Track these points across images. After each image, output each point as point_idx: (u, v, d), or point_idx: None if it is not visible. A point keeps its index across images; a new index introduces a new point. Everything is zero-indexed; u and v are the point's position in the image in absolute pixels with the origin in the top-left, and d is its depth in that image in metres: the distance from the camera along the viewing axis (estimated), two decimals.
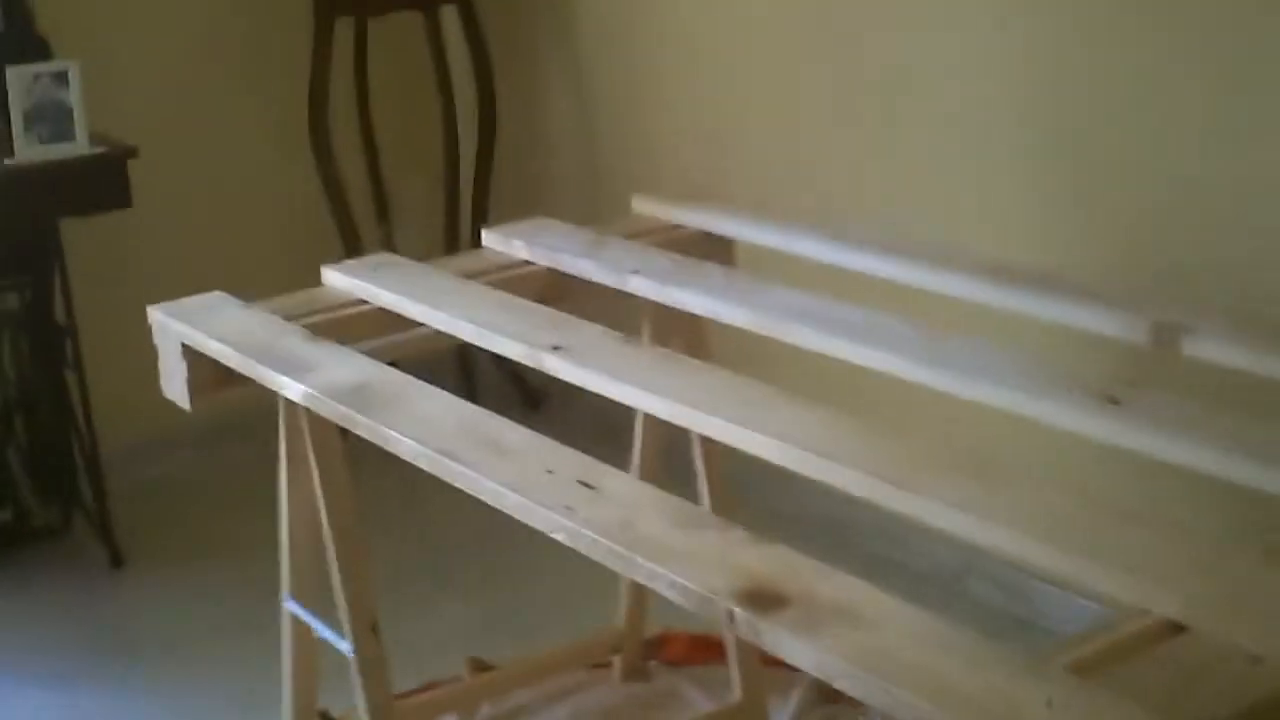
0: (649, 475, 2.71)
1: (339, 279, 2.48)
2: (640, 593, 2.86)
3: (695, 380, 1.97)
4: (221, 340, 2.23)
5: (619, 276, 2.41)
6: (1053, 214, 2.97)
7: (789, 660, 1.40)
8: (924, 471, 1.69)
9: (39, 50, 3.47)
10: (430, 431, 1.87)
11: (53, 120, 3.40)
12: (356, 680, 2.33)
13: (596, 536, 1.58)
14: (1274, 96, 2.60)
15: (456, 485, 1.78)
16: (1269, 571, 1.47)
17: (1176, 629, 1.42)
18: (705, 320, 2.47)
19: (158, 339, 2.38)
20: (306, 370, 2.09)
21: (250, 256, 3.89)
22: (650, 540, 1.57)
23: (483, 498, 1.74)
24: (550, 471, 1.74)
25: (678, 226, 2.67)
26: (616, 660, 2.96)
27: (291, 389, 2.08)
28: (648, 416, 2.65)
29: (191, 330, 2.29)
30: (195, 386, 2.33)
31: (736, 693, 2.69)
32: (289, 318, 2.32)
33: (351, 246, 3.92)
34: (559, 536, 1.64)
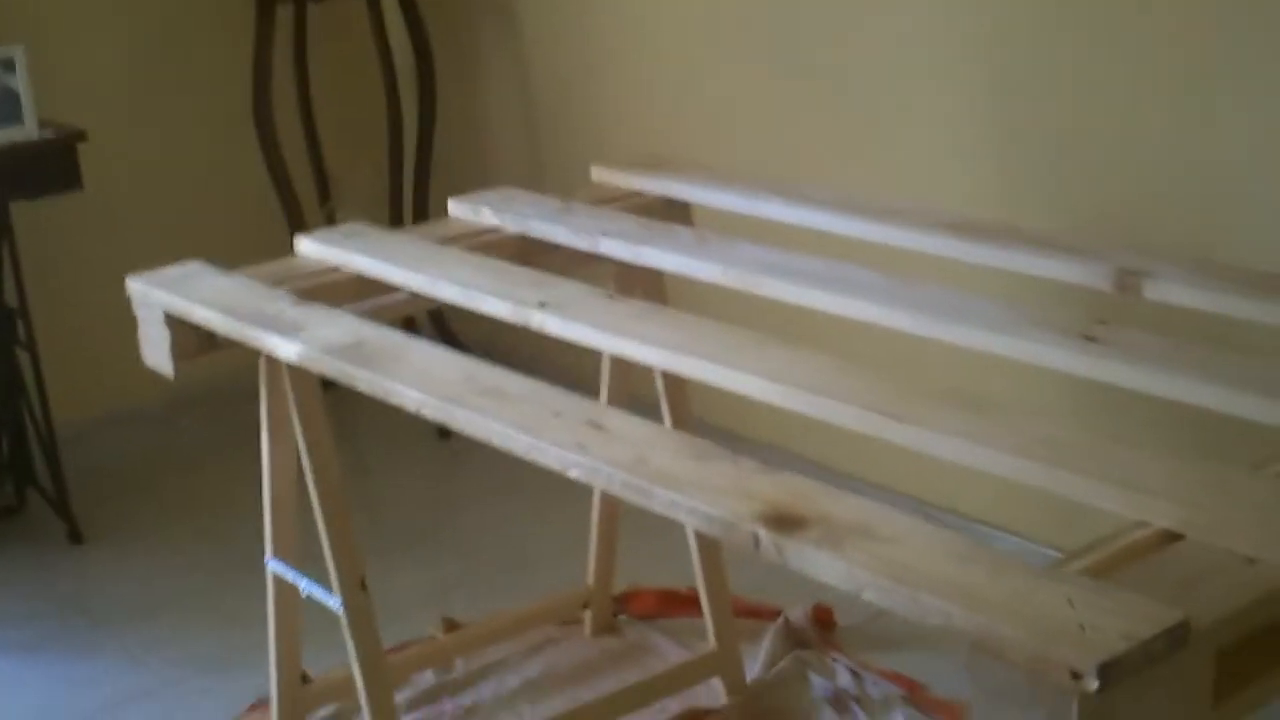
0: None
1: (313, 247, 2.52)
2: (608, 549, 2.92)
3: (684, 330, 2.03)
4: (208, 306, 2.27)
5: (590, 239, 2.46)
6: (1010, 170, 3.06)
7: (816, 576, 1.46)
8: (917, 405, 1.76)
9: None
10: (433, 382, 1.92)
11: (0, 105, 3.41)
12: (347, 634, 2.38)
13: (613, 470, 1.65)
14: (1232, 50, 2.69)
15: (465, 431, 1.83)
16: (1257, 483, 1.56)
17: (1173, 538, 1.51)
18: (666, 281, 2.54)
19: (138, 309, 2.40)
20: (300, 330, 2.13)
21: (198, 236, 3.90)
22: (666, 472, 1.63)
23: (492, 441, 1.79)
24: (558, 414, 1.80)
25: (636, 193, 2.73)
26: (587, 616, 3.02)
27: (286, 349, 2.12)
28: (612, 374, 2.71)
29: (176, 298, 2.32)
30: (179, 353, 2.35)
31: (711, 641, 2.76)
32: (270, 284, 2.36)
33: (296, 226, 3.94)
34: (573, 474, 1.70)
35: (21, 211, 3.57)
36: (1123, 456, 1.62)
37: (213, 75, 4.12)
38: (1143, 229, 2.79)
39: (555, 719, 2.64)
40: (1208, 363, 1.84)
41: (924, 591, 1.38)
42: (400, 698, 2.83)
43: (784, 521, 1.51)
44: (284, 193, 3.99)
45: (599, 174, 2.80)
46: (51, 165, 3.46)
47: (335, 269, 2.45)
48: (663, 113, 3.72)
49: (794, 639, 2.90)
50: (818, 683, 2.79)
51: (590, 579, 2.97)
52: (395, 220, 4.11)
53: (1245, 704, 1.40)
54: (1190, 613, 1.33)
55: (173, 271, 2.44)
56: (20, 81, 3.41)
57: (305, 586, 2.49)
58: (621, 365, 2.68)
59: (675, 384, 2.63)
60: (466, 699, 2.84)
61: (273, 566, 2.56)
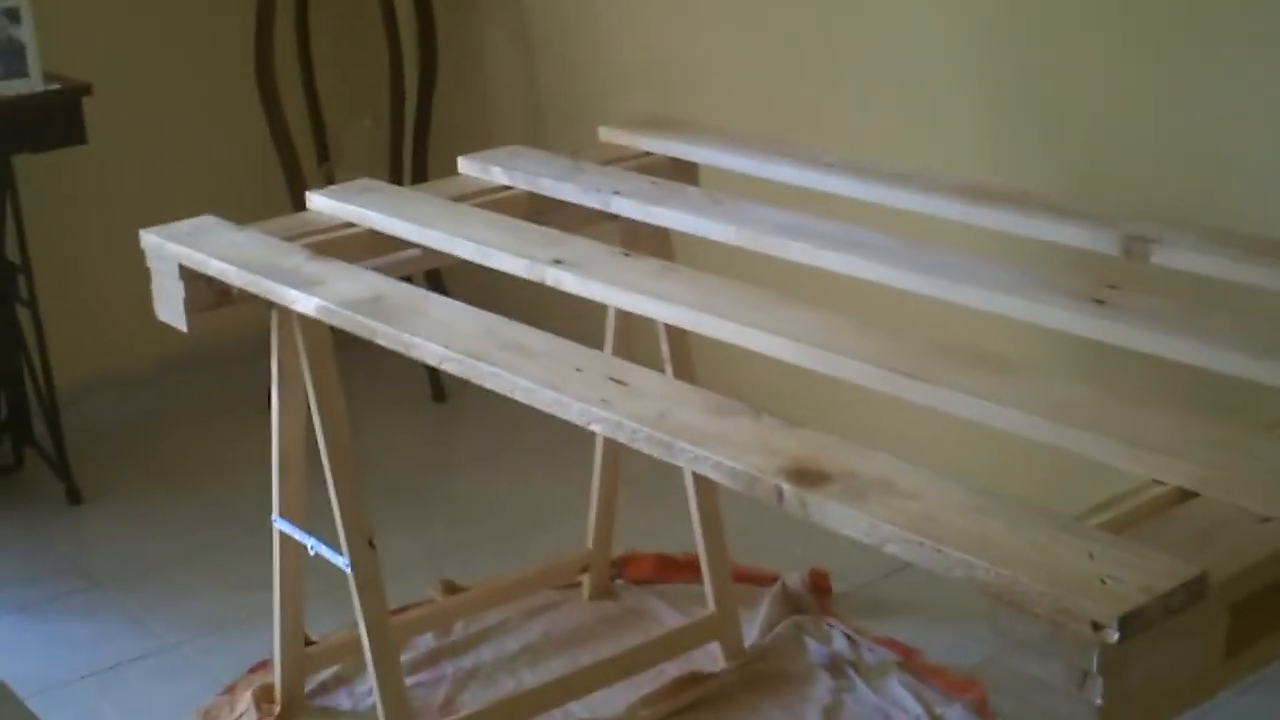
0: None
1: (324, 203, 2.52)
2: (608, 513, 2.94)
3: (700, 287, 2.05)
4: (224, 260, 2.28)
5: (601, 198, 2.48)
6: (1019, 135, 3.07)
7: (839, 530, 1.48)
8: (934, 365, 1.78)
9: None
10: (454, 337, 1.93)
11: (5, 57, 3.39)
12: (355, 594, 2.39)
13: (637, 425, 1.66)
14: (1239, 14, 2.71)
15: (488, 386, 1.85)
16: (1269, 443, 1.59)
17: (1186, 496, 1.54)
18: (674, 241, 2.55)
19: (152, 261, 2.41)
20: (317, 284, 2.15)
21: (201, 193, 3.91)
22: (689, 427, 1.65)
23: (515, 396, 1.81)
24: (580, 370, 1.81)
25: (645, 153, 2.75)
26: (585, 580, 3.04)
27: (304, 303, 2.13)
28: (617, 335, 2.72)
29: (191, 251, 2.32)
30: (193, 307, 2.36)
31: (710, 605, 2.78)
32: (285, 239, 2.37)
33: (295, 185, 3.94)
34: (596, 428, 1.72)
35: (24, 166, 3.57)
36: (1136, 416, 1.64)
37: (215, 31, 4.12)
38: (1152, 195, 2.80)
39: (554, 682, 2.66)
40: (1217, 326, 1.87)
41: (947, 544, 1.40)
42: (402, 660, 2.84)
43: (807, 476, 1.54)
44: (284, 150, 3.98)
45: (606, 134, 2.81)
46: (56, 119, 3.44)
47: (348, 225, 2.46)
48: (667, 74, 3.72)
49: (791, 604, 2.92)
50: (814, 648, 2.82)
51: (589, 543, 2.99)
52: (395, 180, 4.10)
53: (1256, 658, 1.43)
54: (1206, 568, 1.36)
55: (185, 225, 2.45)
56: (26, 32, 3.39)
57: (313, 545, 2.50)
58: (625, 326, 2.70)
59: (680, 347, 2.65)
60: (467, 662, 2.86)
61: (280, 525, 2.57)
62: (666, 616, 2.97)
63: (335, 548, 2.41)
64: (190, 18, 4.11)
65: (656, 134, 2.76)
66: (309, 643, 2.76)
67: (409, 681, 2.79)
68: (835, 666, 2.77)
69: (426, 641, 2.92)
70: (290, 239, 2.38)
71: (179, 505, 3.59)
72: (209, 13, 4.12)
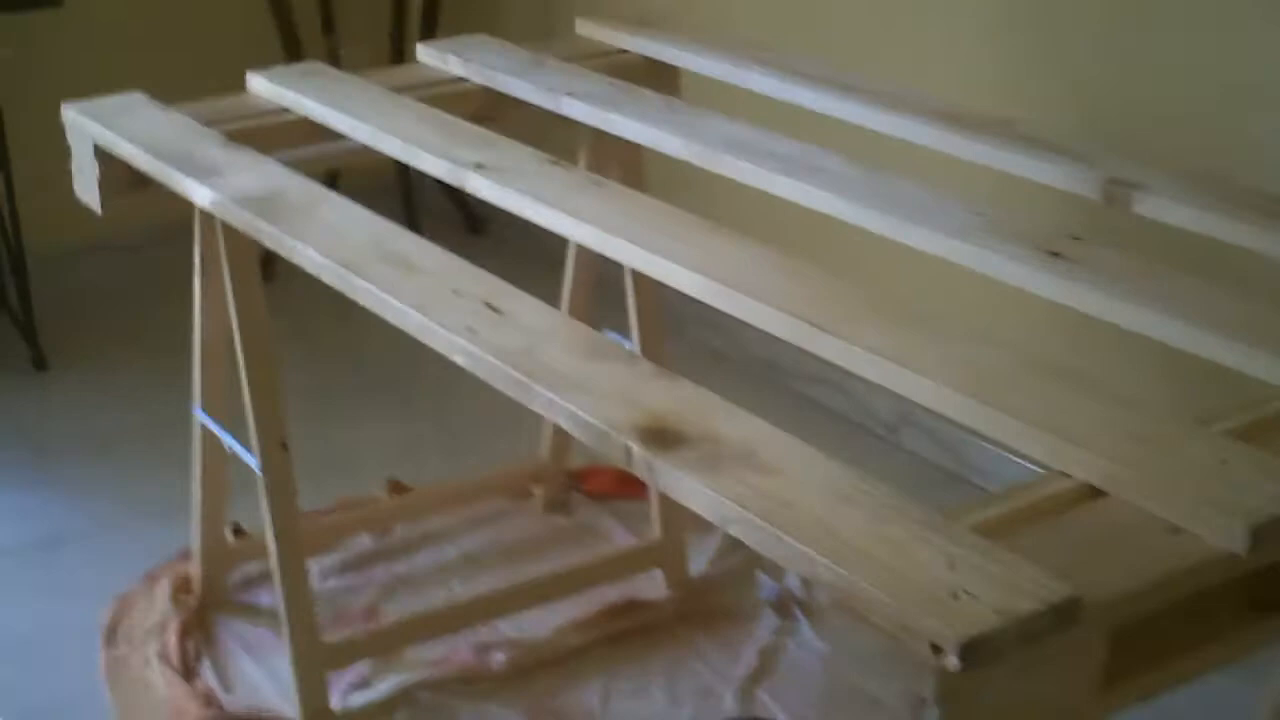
0: (578, 306, 2.64)
1: (264, 86, 2.37)
2: None
3: (622, 207, 1.89)
4: (134, 142, 2.13)
5: (553, 98, 2.30)
6: (1011, 66, 2.87)
7: (684, 502, 1.33)
8: (851, 316, 1.61)
9: None
10: (338, 244, 1.78)
11: None
12: (263, 496, 2.27)
13: (496, 361, 1.51)
14: None
15: (360, 302, 1.70)
16: (1200, 442, 1.40)
17: (1094, 494, 1.36)
18: (643, 151, 2.38)
19: (71, 139, 2.28)
20: (216, 175, 2.00)
21: (186, 62, 3.74)
22: (552, 369, 1.50)
23: (385, 316, 1.67)
24: (456, 292, 1.66)
25: (622, 52, 2.57)
26: (538, 491, 2.90)
27: (199, 194, 1.98)
28: (580, 246, 2.57)
29: (104, 130, 2.18)
30: (107, 189, 2.23)
31: (656, 530, 2.64)
32: (208, 123, 2.22)
33: (293, 58, 3.78)
34: (458, 359, 1.57)
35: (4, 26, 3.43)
36: (1056, 396, 1.46)
37: None
38: (1145, 138, 2.59)
39: (482, 597, 2.53)
40: (1182, 293, 1.68)
41: (791, 534, 1.23)
42: (333, 560, 2.73)
43: (663, 437, 1.37)
44: (283, 22, 3.81)
45: (584, 28, 2.63)
46: None
47: (284, 110, 2.31)
48: None
49: None
50: (765, 583, 2.67)
51: (545, 452, 2.85)
52: (396, 58, 3.94)
53: (1137, 691, 1.26)
54: (1087, 585, 1.19)
55: (111, 102, 2.31)
56: None
57: (230, 443, 2.38)
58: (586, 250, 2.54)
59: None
60: (399, 567, 2.73)
61: (199, 418, 2.45)
62: (618, 536, 2.83)
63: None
64: None
65: (634, 31, 2.57)
66: (240, 533, 2.65)
67: (336, 584, 2.68)
68: (783, 605, 2.61)
69: (363, 543, 2.79)
70: (219, 123, 2.23)
71: (145, 379, 3.46)
72: None
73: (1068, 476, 1.38)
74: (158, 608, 2.60)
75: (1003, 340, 1.58)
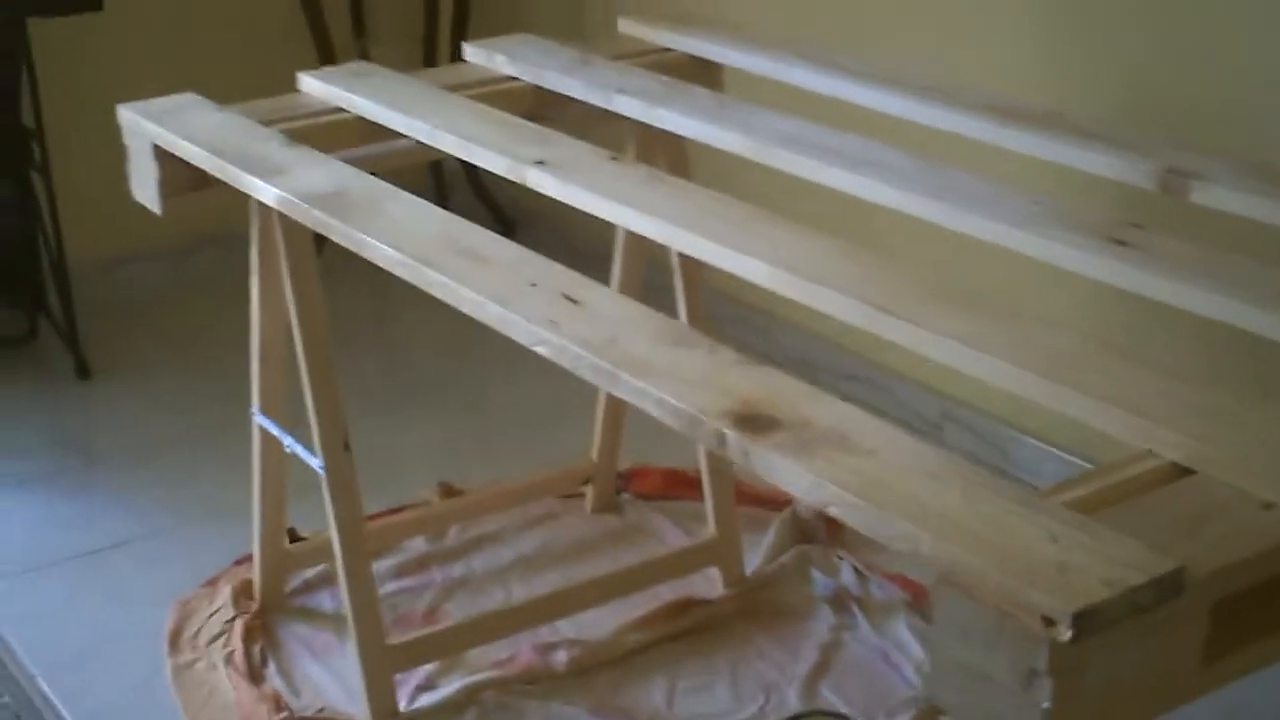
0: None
1: (316, 86, 2.39)
2: (615, 424, 2.81)
3: (684, 200, 1.90)
4: (194, 141, 2.15)
5: (605, 95, 2.32)
6: (1060, 55, 2.87)
7: (780, 485, 1.34)
8: (917, 300, 1.62)
9: None
10: (409, 239, 1.79)
11: None
12: (327, 497, 2.28)
13: (581, 351, 1.52)
14: None
15: (434, 295, 1.71)
16: None
17: (1181, 472, 1.37)
18: (688, 148, 2.40)
19: (128, 139, 2.29)
20: (281, 174, 2.01)
21: (223, 64, 3.76)
22: (636, 357, 1.51)
23: (462, 308, 1.67)
24: (534, 284, 1.67)
25: (666, 50, 2.58)
26: (588, 491, 2.91)
27: (265, 192, 2.00)
28: (628, 240, 2.59)
29: (164, 131, 2.20)
30: (166, 189, 2.24)
31: (710, 528, 2.65)
32: (264, 122, 2.24)
33: (326, 59, 3.80)
34: (541, 350, 1.58)
35: (40, 32, 3.44)
36: (1135, 376, 1.47)
37: None
38: (1201, 128, 2.59)
39: (542, 598, 2.54)
40: (1249, 278, 1.69)
41: (893, 512, 1.24)
42: (389, 563, 2.73)
43: (754, 421, 1.39)
44: (316, 23, 3.83)
45: (626, 27, 2.65)
46: None
47: (337, 110, 2.33)
48: None
49: (800, 532, 2.77)
50: (819, 580, 2.68)
51: (594, 454, 2.86)
52: (428, 59, 3.95)
53: (1240, 664, 1.27)
54: (1188, 559, 1.20)
55: (165, 102, 2.32)
56: None
57: (290, 444, 2.39)
58: (635, 237, 2.55)
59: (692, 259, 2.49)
60: (456, 570, 2.74)
61: (258, 421, 2.46)
62: (670, 535, 2.84)
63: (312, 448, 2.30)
64: None
65: (678, 29, 2.58)
66: (297, 539, 2.67)
67: (395, 586, 2.69)
68: (839, 601, 2.63)
69: (418, 545, 2.80)
70: (274, 122, 2.24)
71: (188, 385, 3.48)
72: None
73: (1154, 456, 1.39)
74: (220, 613, 2.61)
75: (1065, 324, 1.59)
